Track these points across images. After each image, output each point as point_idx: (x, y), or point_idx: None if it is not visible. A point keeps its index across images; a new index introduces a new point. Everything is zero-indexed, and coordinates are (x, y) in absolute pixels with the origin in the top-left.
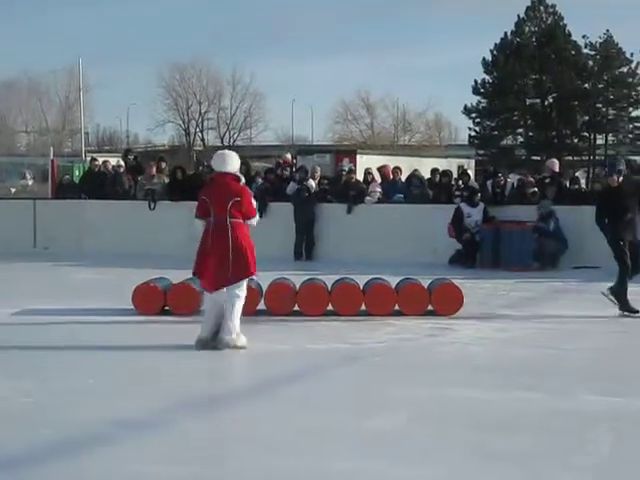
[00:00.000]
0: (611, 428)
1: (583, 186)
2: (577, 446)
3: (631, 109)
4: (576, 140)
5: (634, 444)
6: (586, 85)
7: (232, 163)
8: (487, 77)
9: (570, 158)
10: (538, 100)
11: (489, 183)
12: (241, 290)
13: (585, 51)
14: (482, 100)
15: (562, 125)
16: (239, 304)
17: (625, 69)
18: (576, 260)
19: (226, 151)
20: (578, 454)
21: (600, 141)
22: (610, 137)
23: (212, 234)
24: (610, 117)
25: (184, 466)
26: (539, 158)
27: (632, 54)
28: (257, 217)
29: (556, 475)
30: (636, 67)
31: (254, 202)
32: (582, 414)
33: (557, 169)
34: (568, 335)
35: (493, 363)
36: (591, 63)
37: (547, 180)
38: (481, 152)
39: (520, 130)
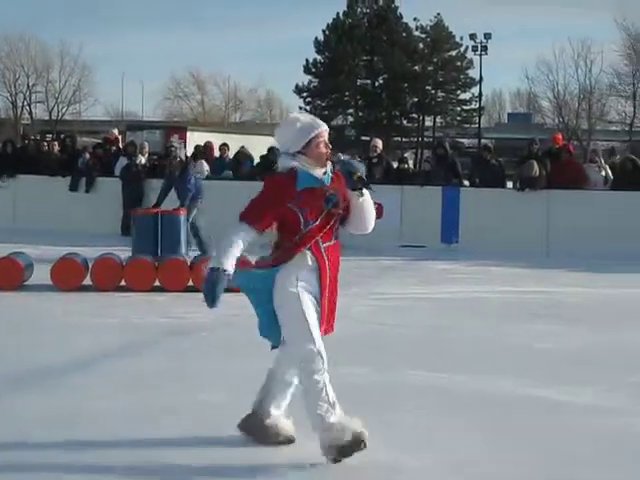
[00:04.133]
0: (435, 402)
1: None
2: (400, 419)
3: (459, 92)
4: (405, 121)
5: (456, 418)
6: (416, 67)
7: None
8: (319, 57)
9: (399, 139)
10: (369, 81)
11: None
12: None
13: (416, 34)
14: (313, 79)
15: (392, 106)
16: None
17: (454, 52)
18: (402, 239)
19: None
20: (400, 427)
21: (429, 123)
22: (438, 119)
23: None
24: (439, 99)
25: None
26: (369, 138)
27: (461, 38)
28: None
29: (379, 446)
30: (465, 51)
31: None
32: (407, 388)
33: (380, 149)
34: (393, 311)
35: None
36: (421, 46)
37: (374, 160)
38: None
39: (350, 110)
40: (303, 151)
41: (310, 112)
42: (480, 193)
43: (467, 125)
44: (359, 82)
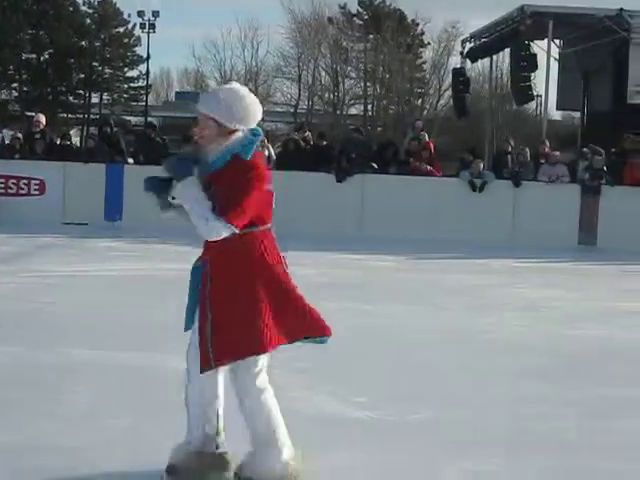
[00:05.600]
0: (93, 380)
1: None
2: (57, 398)
3: (126, 69)
4: (71, 97)
5: (114, 395)
6: (83, 43)
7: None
8: None
9: (65, 115)
10: (34, 55)
11: None
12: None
13: (83, 9)
14: None
15: (58, 82)
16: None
17: (122, 29)
18: (65, 216)
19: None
20: (59, 405)
21: (95, 99)
22: (105, 96)
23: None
24: (106, 76)
25: None
26: (33, 114)
27: (129, 15)
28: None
29: (41, 426)
30: (133, 28)
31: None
32: (62, 367)
33: (43, 125)
34: (51, 289)
35: None
36: (88, 21)
37: (37, 136)
38: None
39: (15, 85)
40: None
41: None
42: (143, 171)
43: (134, 103)
44: (24, 56)
